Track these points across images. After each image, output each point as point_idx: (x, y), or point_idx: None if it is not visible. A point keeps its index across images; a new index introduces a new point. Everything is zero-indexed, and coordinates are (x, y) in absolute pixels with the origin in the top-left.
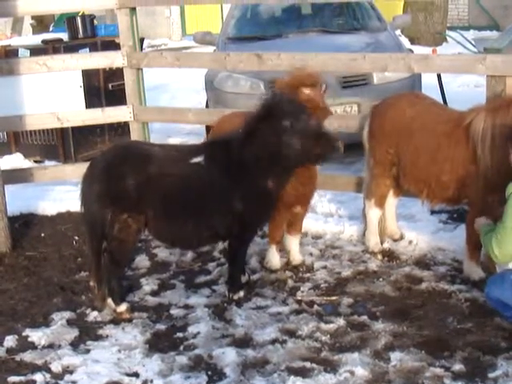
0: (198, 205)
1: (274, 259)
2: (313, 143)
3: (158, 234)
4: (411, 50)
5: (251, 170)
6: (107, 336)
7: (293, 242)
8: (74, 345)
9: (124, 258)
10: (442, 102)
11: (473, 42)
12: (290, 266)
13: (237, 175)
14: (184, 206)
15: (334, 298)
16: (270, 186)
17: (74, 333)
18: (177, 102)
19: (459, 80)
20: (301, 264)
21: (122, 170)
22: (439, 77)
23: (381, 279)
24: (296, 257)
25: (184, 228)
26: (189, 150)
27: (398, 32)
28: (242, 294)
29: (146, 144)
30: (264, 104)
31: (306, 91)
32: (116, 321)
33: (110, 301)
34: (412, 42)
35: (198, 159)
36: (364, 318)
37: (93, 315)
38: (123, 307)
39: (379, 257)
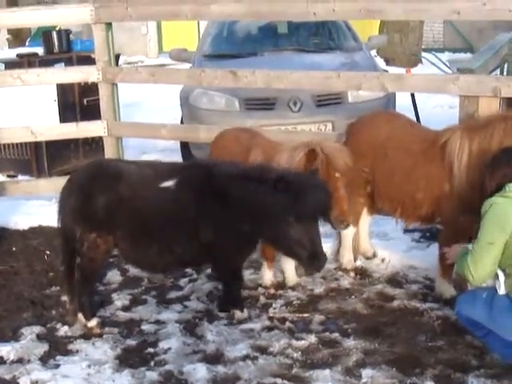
0: (164, 230)
1: (265, 276)
2: (301, 245)
3: (125, 256)
4: (386, 71)
5: (231, 207)
6: (77, 351)
7: (288, 262)
8: (44, 360)
9: (93, 275)
10: (415, 121)
11: (447, 64)
12: (286, 286)
13: (211, 206)
14: (150, 230)
15: (305, 314)
16: (246, 229)
17: (43, 347)
18: (152, 118)
19: (433, 101)
20: (296, 285)
21: (91, 191)
22: (413, 96)
23: (353, 297)
24: (290, 278)
25: (149, 252)
26: (164, 171)
27: (374, 53)
28: (242, 314)
29: (123, 163)
30: (295, 174)
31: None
32: (86, 336)
33: (80, 315)
34: (387, 62)
35: (170, 183)
36: (336, 335)
37: (63, 330)
38: (94, 322)
39: (352, 274)
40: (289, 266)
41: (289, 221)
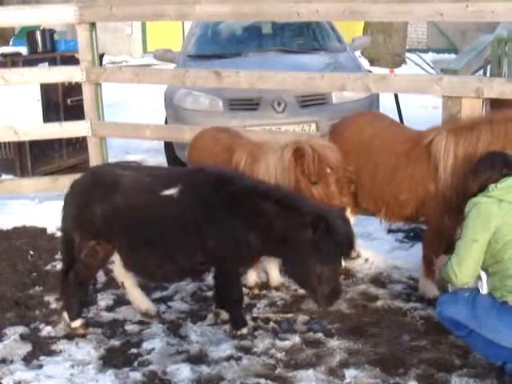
0: (164, 238)
1: (249, 276)
2: (324, 282)
3: (125, 264)
4: (370, 72)
5: (239, 218)
6: (60, 351)
7: (272, 263)
8: (27, 360)
9: (87, 281)
10: (399, 121)
11: (431, 64)
12: (270, 286)
13: (218, 216)
14: (149, 239)
15: (289, 315)
16: (252, 240)
17: (26, 348)
18: (136, 118)
19: (417, 101)
20: (280, 285)
21: (91, 200)
22: (396, 97)
23: None
24: (274, 278)
25: (149, 261)
26: (166, 178)
27: (358, 53)
28: (245, 331)
29: (124, 168)
30: (329, 215)
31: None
32: (70, 336)
33: (65, 315)
34: (371, 63)
35: (171, 191)
36: (319, 335)
37: (46, 330)
38: (78, 322)
39: None
40: (273, 266)
41: (316, 260)
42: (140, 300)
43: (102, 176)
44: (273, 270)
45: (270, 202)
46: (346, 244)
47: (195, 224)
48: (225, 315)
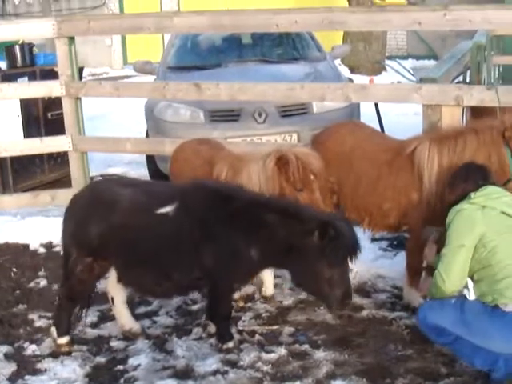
0: (160, 256)
1: None
2: (331, 284)
3: (122, 281)
4: (351, 79)
5: (239, 232)
6: (46, 370)
7: (266, 273)
8: (12, 379)
9: (79, 297)
10: (380, 130)
11: (411, 71)
12: (264, 297)
13: (217, 232)
14: (146, 257)
15: (275, 327)
16: (252, 255)
17: (11, 367)
18: (117, 131)
19: (398, 108)
20: (271, 297)
21: (89, 217)
22: (376, 105)
23: (322, 308)
24: (270, 288)
25: (146, 278)
26: (163, 194)
27: (338, 61)
28: (231, 345)
29: (123, 184)
30: (331, 217)
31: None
32: (55, 354)
33: (53, 330)
34: (352, 71)
35: (167, 209)
36: (305, 346)
37: (31, 349)
38: (64, 340)
39: None
40: (269, 276)
41: (326, 265)
42: (125, 318)
43: (101, 193)
44: (269, 279)
45: (272, 213)
46: (352, 244)
47: (193, 241)
48: (212, 328)
